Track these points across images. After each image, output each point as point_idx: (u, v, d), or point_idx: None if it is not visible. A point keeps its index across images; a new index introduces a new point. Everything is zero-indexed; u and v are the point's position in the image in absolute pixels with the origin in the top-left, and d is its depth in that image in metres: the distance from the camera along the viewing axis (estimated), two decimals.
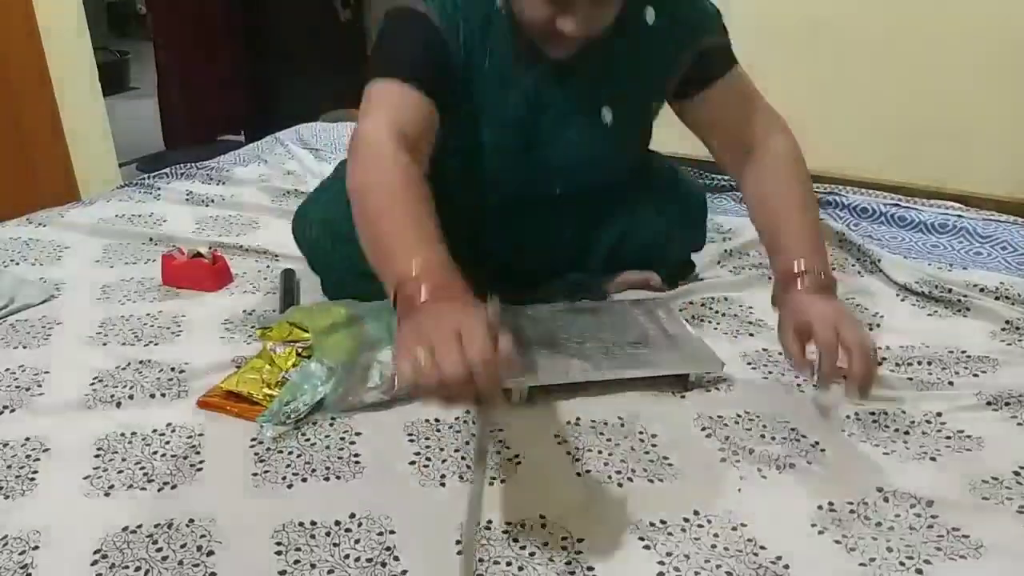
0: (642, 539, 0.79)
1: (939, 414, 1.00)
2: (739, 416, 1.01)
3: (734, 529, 0.81)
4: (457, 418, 0.99)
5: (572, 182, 1.19)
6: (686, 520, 0.82)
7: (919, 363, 1.13)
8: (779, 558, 0.77)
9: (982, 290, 1.30)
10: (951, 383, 1.07)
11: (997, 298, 1.28)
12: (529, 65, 1.08)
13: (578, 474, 0.90)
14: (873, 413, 1.01)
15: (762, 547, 0.79)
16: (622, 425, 0.99)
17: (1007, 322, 1.22)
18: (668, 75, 1.14)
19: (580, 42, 0.99)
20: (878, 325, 1.26)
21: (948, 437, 0.96)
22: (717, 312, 1.29)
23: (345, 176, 0.93)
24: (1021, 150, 1.79)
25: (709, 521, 0.82)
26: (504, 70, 1.08)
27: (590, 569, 0.76)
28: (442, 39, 1.03)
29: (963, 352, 1.15)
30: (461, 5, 1.04)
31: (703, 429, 0.98)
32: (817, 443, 0.95)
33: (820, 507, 0.84)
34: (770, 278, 1.07)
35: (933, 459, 0.92)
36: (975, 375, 1.10)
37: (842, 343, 0.90)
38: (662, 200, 1.30)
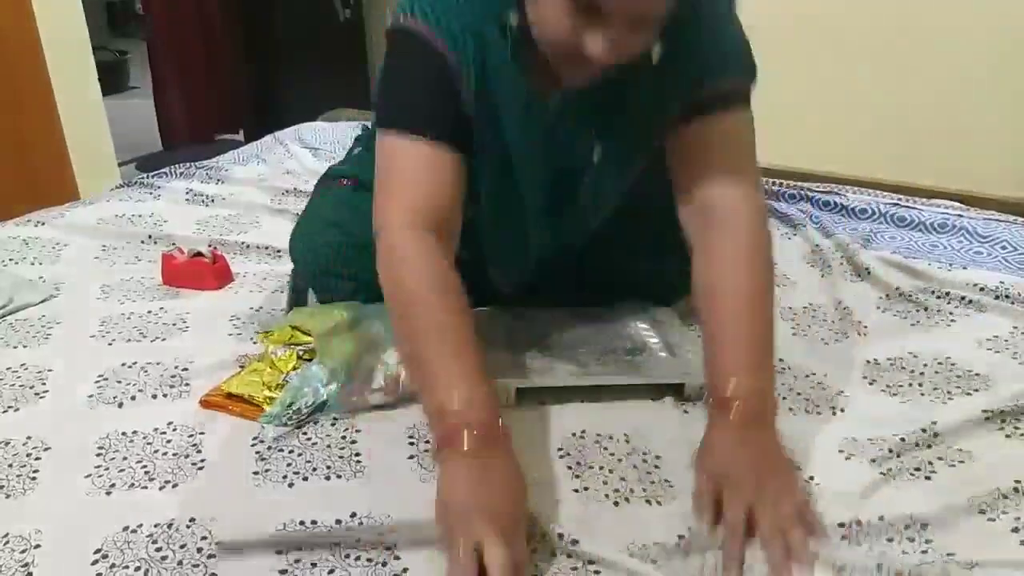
0: (633, 556, 0.77)
1: (936, 434, 0.95)
2: None
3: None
4: None
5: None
6: (680, 537, 0.79)
7: (910, 385, 1.08)
8: None
9: (982, 289, 1.29)
10: (944, 403, 1.03)
11: (997, 297, 1.28)
12: (539, 102, 0.95)
13: (575, 490, 0.88)
14: (872, 439, 0.95)
15: None
16: (627, 442, 0.96)
17: (995, 335, 1.19)
18: (667, 114, 0.98)
19: (602, 71, 0.86)
20: (864, 334, 1.22)
21: (940, 458, 0.92)
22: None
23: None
24: (1021, 150, 1.80)
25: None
26: (518, 100, 0.94)
27: (591, 563, 0.76)
28: (456, 73, 0.90)
29: (952, 364, 1.12)
30: (469, 23, 0.89)
31: None
32: (812, 477, 0.89)
33: None
34: None
35: (928, 478, 0.88)
36: (968, 393, 1.05)
37: (755, 530, 0.76)
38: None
